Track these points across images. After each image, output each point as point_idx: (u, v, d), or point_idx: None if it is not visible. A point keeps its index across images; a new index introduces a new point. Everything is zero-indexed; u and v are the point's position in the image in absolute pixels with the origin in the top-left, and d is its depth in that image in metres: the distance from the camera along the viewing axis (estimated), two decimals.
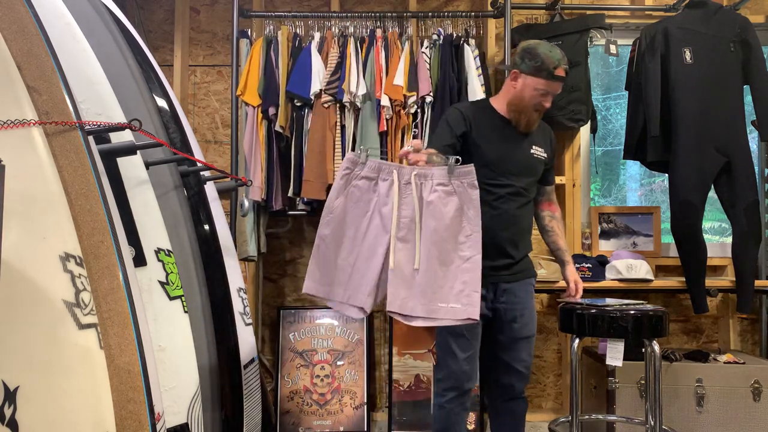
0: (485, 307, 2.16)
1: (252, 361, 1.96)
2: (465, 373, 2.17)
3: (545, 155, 2.31)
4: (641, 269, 2.87)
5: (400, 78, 2.86)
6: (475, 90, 2.88)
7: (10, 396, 0.96)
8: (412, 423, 3.05)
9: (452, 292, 1.75)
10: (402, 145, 2.90)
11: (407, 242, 1.78)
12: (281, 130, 2.94)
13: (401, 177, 1.81)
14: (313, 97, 2.92)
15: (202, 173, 1.81)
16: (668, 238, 3.12)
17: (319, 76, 2.91)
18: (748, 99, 2.86)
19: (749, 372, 2.67)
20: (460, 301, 1.75)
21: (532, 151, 2.26)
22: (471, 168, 1.80)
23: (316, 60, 2.94)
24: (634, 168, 3.76)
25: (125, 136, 1.39)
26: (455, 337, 2.16)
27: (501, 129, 2.24)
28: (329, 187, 2.92)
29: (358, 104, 2.90)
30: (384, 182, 1.83)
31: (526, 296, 2.27)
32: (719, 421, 2.65)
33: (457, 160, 1.80)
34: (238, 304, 1.87)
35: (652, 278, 2.88)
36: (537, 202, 2.41)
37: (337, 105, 2.94)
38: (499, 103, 2.27)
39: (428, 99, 2.88)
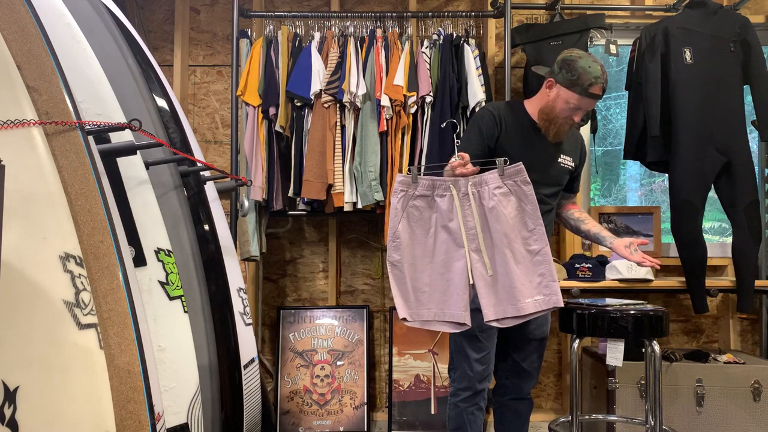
0: None
1: (252, 361, 1.96)
2: (478, 374, 2.15)
3: (572, 164, 2.26)
4: (641, 269, 2.86)
5: (400, 78, 2.86)
6: (475, 90, 2.88)
7: (10, 396, 0.95)
8: (412, 423, 3.05)
9: (533, 285, 1.85)
10: (402, 145, 2.90)
11: (480, 252, 1.87)
12: (281, 130, 2.94)
13: (459, 190, 1.89)
14: (313, 97, 2.92)
15: (202, 173, 1.81)
16: (668, 238, 3.12)
17: (319, 76, 2.91)
18: (748, 99, 2.85)
19: (749, 372, 2.66)
20: (542, 292, 1.86)
21: (559, 160, 2.21)
22: (521, 166, 1.87)
23: (316, 60, 2.94)
24: (634, 168, 3.76)
25: (125, 136, 1.39)
26: (468, 338, 2.13)
27: (530, 134, 2.19)
28: (329, 187, 2.92)
29: (358, 104, 2.90)
30: (442, 198, 1.90)
31: None
32: (719, 421, 2.65)
33: (505, 161, 1.87)
34: (238, 304, 1.87)
35: (652, 278, 2.87)
36: (561, 206, 2.38)
37: (337, 105, 2.93)
38: (532, 107, 2.22)
39: (428, 99, 2.88)
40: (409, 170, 1.88)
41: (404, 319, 1.88)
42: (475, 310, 1.91)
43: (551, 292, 1.86)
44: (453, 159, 1.91)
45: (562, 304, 1.86)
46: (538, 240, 1.87)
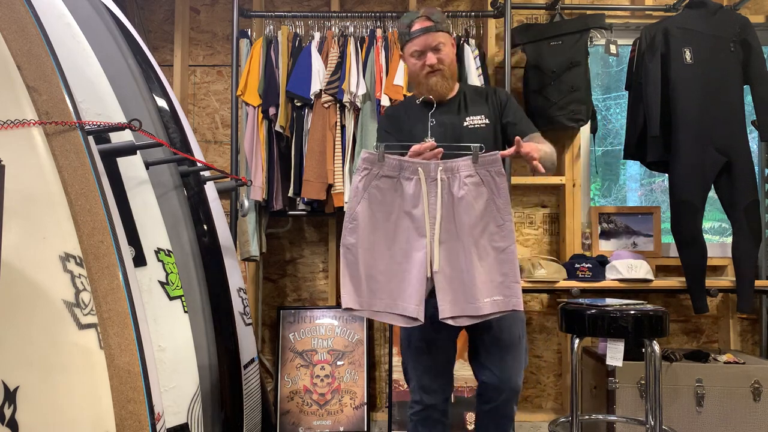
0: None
1: (252, 361, 1.96)
2: (423, 388, 1.97)
3: (486, 120, 1.99)
4: (641, 269, 2.87)
5: (400, 78, 2.86)
6: None
7: (10, 396, 0.95)
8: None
9: (494, 284, 1.72)
10: None
11: (444, 243, 1.73)
12: (281, 130, 2.94)
13: (427, 174, 1.73)
14: (313, 97, 2.92)
15: (202, 173, 1.81)
16: (668, 238, 3.12)
17: (319, 76, 2.91)
18: (748, 99, 2.85)
19: (749, 372, 2.66)
20: (503, 292, 1.72)
21: (465, 123, 1.98)
22: (497, 156, 1.73)
23: (316, 60, 2.94)
24: (634, 168, 3.76)
25: (125, 136, 1.39)
26: (412, 349, 1.98)
27: (419, 114, 2.02)
28: (329, 187, 2.92)
29: (358, 104, 2.90)
30: (408, 181, 1.74)
31: None
32: (719, 421, 2.65)
33: (481, 148, 1.72)
34: (238, 304, 1.87)
35: (652, 278, 2.87)
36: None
37: (337, 105, 2.93)
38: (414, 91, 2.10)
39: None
40: (375, 147, 1.74)
41: (349, 309, 1.71)
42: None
43: (512, 293, 1.72)
44: (426, 142, 1.77)
45: (521, 308, 1.73)
46: (506, 237, 1.74)
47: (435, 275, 1.71)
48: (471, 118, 2.00)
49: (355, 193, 1.73)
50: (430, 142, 1.77)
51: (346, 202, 2.91)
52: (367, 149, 1.79)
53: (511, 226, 1.75)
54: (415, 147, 1.75)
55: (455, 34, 3.02)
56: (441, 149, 1.74)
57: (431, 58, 1.94)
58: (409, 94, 2.83)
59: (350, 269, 1.72)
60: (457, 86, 2.07)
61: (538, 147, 1.79)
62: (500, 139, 2.03)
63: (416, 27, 1.96)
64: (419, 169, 1.73)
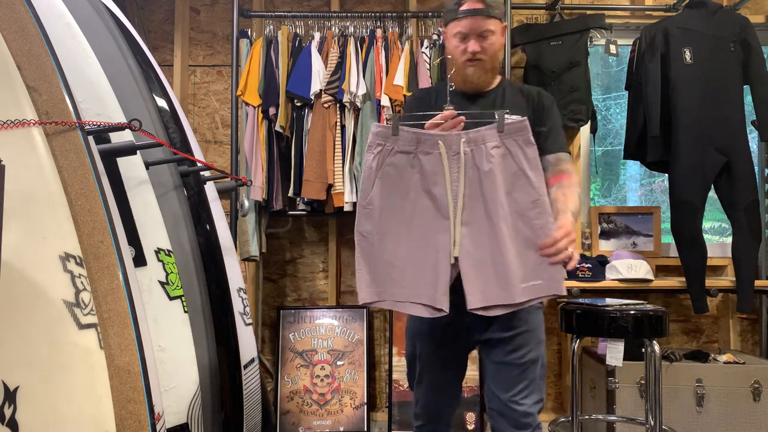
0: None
1: (252, 361, 1.96)
2: (425, 406, 1.81)
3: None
4: (641, 269, 2.87)
5: (400, 78, 2.87)
6: None
7: (10, 396, 0.95)
8: (412, 423, 3.05)
9: (529, 267, 1.53)
10: None
11: (470, 225, 1.54)
12: (281, 130, 2.94)
13: (449, 147, 1.54)
14: (313, 97, 2.92)
15: (202, 173, 1.81)
16: (668, 238, 3.12)
17: (319, 76, 2.91)
18: (748, 99, 2.86)
19: (749, 372, 2.66)
20: (541, 275, 1.53)
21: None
22: (525, 122, 1.54)
23: (316, 60, 2.94)
24: (634, 168, 3.76)
25: (125, 136, 1.39)
26: (415, 359, 1.81)
27: (451, 102, 1.74)
28: (329, 187, 2.92)
29: (358, 104, 2.90)
30: (427, 156, 1.55)
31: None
32: (719, 421, 2.65)
33: (507, 113, 1.54)
34: (238, 304, 1.87)
35: (652, 278, 2.87)
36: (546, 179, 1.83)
37: (337, 105, 2.94)
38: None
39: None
40: (387, 119, 1.59)
41: (368, 303, 1.56)
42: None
43: (552, 276, 1.52)
44: (446, 111, 1.57)
45: (564, 292, 1.54)
46: (542, 213, 1.53)
47: (460, 261, 1.52)
48: (507, 117, 1.77)
49: (368, 173, 1.56)
50: (449, 110, 1.57)
51: (346, 202, 2.91)
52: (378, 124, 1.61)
53: (546, 201, 1.55)
54: (434, 119, 1.57)
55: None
56: (462, 118, 1.56)
57: (474, 45, 1.71)
58: (409, 94, 2.84)
59: (367, 258, 1.56)
60: (498, 80, 1.85)
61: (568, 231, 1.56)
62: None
63: (466, 6, 1.72)
64: (439, 141, 1.54)
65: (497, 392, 1.71)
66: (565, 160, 1.78)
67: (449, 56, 1.80)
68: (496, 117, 1.53)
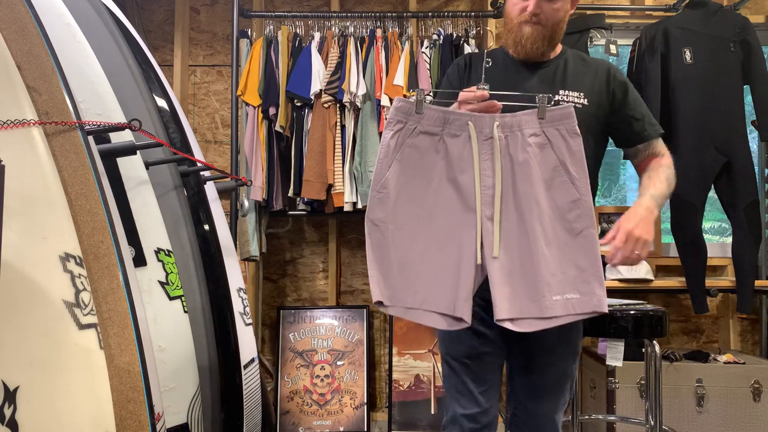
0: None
1: (252, 361, 1.96)
2: (470, 417, 1.53)
3: (583, 101, 1.53)
4: (641, 269, 2.87)
5: (400, 78, 2.87)
6: None
7: (10, 396, 0.95)
8: (412, 423, 3.05)
9: (567, 277, 1.34)
10: None
11: (497, 222, 1.35)
12: (281, 130, 2.94)
13: (480, 131, 1.35)
14: (313, 97, 2.92)
15: (202, 173, 1.81)
16: (668, 238, 3.12)
17: (319, 76, 2.92)
18: (748, 99, 2.85)
19: (749, 372, 2.66)
20: (578, 288, 1.34)
21: (557, 98, 1.53)
22: (569, 109, 1.36)
23: (316, 60, 2.94)
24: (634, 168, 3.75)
25: (125, 136, 1.39)
26: (461, 362, 1.58)
27: (508, 73, 1.58)
28: (329, 187, 2.92)
29: (358, 104, 2.90)
30: (454, 139, 1.35)
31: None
32: (719, 421, 2.65)
33: (549, 99, 1.35)
34: (238, 304, 1.87)
35: (652, 278, 2.87)
36: (636, 166, 1.71)
37: (337, 105, 2.94)
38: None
39: (428, 99, 2.88)
40: (412, 93, 1.36)
41: (379, 303, 1.33)
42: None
43: (591, 290, 1.33)
44: (476, 87, 1.37)
45: (606, 309, 1.34)
46: (583, 216, 1.36)
47: (490, 263, 1.32)
48: (566, 92, 1.54)
49: (385, 152, 1.34)
50: (483, 90, 1.36)
51: (346, 202, 2.91)
52: (397, 103, 1.38)
53: (590, 202, 1.38)
54: (464, 93, 1.37)
55: (455, 34, 3.02)
56: (498, 104, 1.36)
57: (536, 6, 1.48)
58: (408, 94, 2.84)
59: (378, 252, 1.35)
60: (559, 49, 1.62)
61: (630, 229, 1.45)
62: (601, 130, 1.60)
63: None
64: (469, 123, 1.34)
65: (525, 401, 1.59)
66: (658, 144, 1.62)
67: (507, 17, 1.56)
68: (537, 101, 1.34)
